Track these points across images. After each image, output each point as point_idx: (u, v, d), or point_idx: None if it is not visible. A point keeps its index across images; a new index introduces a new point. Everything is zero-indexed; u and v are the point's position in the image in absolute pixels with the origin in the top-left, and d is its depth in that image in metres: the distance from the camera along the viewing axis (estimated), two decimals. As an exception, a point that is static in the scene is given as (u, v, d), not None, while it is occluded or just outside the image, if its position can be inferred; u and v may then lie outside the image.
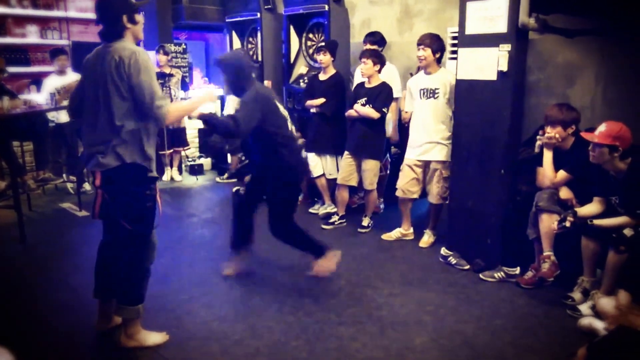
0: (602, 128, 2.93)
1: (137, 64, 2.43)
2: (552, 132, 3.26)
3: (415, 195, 4.23)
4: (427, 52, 3.94)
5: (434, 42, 3.94)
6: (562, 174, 3.27)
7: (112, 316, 2.86)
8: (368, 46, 4.72)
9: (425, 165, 4.13)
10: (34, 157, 5.53)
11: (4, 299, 3.29)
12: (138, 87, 2.43)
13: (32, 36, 6.28)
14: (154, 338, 2.74)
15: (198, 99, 2.88)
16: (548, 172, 3.31)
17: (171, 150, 6.50)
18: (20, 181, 4.86)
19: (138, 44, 2.63)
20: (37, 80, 5.96)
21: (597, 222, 2.98)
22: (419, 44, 3.98)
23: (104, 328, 2.85)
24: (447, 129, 3.99)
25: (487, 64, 3.43)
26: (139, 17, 2.60)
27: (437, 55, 3.98)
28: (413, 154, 4.15)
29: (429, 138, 4.03)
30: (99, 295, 2.82)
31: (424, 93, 4.04)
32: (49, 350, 2.73)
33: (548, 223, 3.21)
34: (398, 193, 4.27)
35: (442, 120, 4.00)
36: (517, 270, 3.49)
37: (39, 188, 5.50)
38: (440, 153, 4.02)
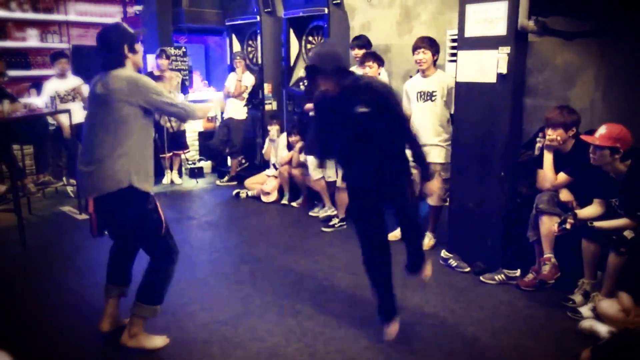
0: (602, 130, 2.93)
1: (139, 78, 2.56)
2: (554, 135, 3.26)
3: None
4: (428, 55, 3.96)
5: (432, 45, 3.97)
6: (562, 176, 3.27)
7: (117, 317, 2.87)
8: (356, 51, 4.73)
9: None
10: (34, 161, 5.53)
11: (4, 302, 3.29)
12: (156, 102, 2.57)
13: (32, 40, 6.29)
14: (154, 342, 2.74)
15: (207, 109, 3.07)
16: (549, 174, 3.31)
17: (171, 154, 6.50)
18: (20, 184, 4.86)
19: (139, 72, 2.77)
20: (37, 84, 5.96)
21: (597, 224, 2.99)
22: (416, 48, 3.99)
23: (107, 329, 2.84)
24: (445, 131, 4.00)
25: (486, 67, 3.43)
26: (139, 47, 2.70)
27: (435, 58, 4.01)
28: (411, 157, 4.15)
29: (427, 141, 4.00)
30: (113, 281, 2.84)
31: (421, 96, 4.05)
32: (49, 353, 2.73)
33: (548, 225, 3.21)
34: None
35: (440, 122, 4.00)
36: (518, 272, 3.49)
37: (39, 191, 5.49)
38: (439, 155, 4.03)
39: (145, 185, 2.58)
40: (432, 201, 4.13)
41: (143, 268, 2.71)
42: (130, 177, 2.52)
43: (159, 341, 2.75)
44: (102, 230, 2.70)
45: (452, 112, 3.99)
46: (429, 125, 4.01)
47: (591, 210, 3.13)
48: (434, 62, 4.04)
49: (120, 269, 2.85)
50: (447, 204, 4.08)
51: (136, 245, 2.80)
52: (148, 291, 2.68)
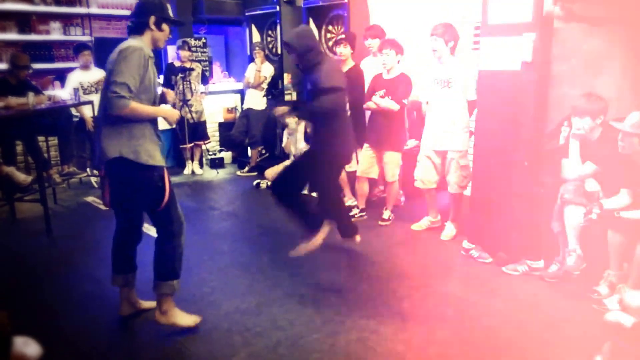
0: (632, 118, 2.86)
1: (127, 53, 2.46)
2: (580, 123, 3.18)
3: (435, 185, 4.21)
4: (440, 44, 3.92)
5: (446, 32, 3.91)
6: (589, 165, 3.20)
7: (134, 301, 2.96)
8: (369, 41, 4.69)
9: (443, 155, 4.10)
10: (59, 152, 5.64)
11: (31, 291, 3.37)
12: (113, 69, 2.44)
13: (55, 33, 6.36)
14: (186, 319, 2.80)
15: (162, 112, 2.76)
16: (575, 164, 3.24)
17: (192, 144, 6.56)
18: (45, 175, 4.95)
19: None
20: (60, 76, 6.05)
21: (624, 214, 2.92)
22: (431, 35, 3.95)
23: (127, 313, 2.93)
24: (462, 118, 3.97)
25: (510, 54, 3.37)
26: (165, 27, 2.69)
27: (450, 45, 3.95)
28: (430, 144, 4.14)
29: (444, 127, 4.02)
30: (119, 271, 2.90)
31: (438, 83, 4.03)
32: (73, 341, 2.78)
33: (574, 216, 3.15)
34: (417, 184, 4.26)
35: (456, 109, 3.98)
36: (541, 263, 3.44)
37: (63, 182, 5.61)
38: (455, 142, 4.01)
39: (145, 157, 2.54)
40: (451, 189, 4.10)
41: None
42: (120, 148, 2.51)
43: (190, 320, 2.81)
44: (113, 199, 2.72)
45: (468, 99, 3.95)
46: (446, 112, 4.00)
47: (618, 200, 3.05)
48: (452, 49, 3.98)
49: (124, 255, 2.89)
50: (464, 191, 4.06)
51: (136, 216, 2.82)
52: (161, 268, 2.74)
